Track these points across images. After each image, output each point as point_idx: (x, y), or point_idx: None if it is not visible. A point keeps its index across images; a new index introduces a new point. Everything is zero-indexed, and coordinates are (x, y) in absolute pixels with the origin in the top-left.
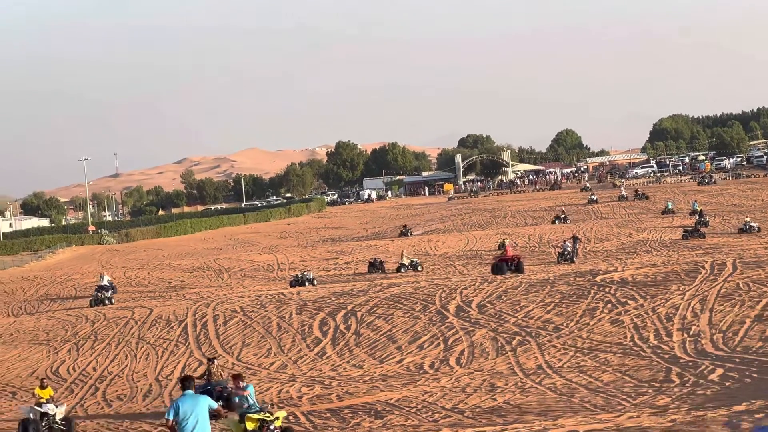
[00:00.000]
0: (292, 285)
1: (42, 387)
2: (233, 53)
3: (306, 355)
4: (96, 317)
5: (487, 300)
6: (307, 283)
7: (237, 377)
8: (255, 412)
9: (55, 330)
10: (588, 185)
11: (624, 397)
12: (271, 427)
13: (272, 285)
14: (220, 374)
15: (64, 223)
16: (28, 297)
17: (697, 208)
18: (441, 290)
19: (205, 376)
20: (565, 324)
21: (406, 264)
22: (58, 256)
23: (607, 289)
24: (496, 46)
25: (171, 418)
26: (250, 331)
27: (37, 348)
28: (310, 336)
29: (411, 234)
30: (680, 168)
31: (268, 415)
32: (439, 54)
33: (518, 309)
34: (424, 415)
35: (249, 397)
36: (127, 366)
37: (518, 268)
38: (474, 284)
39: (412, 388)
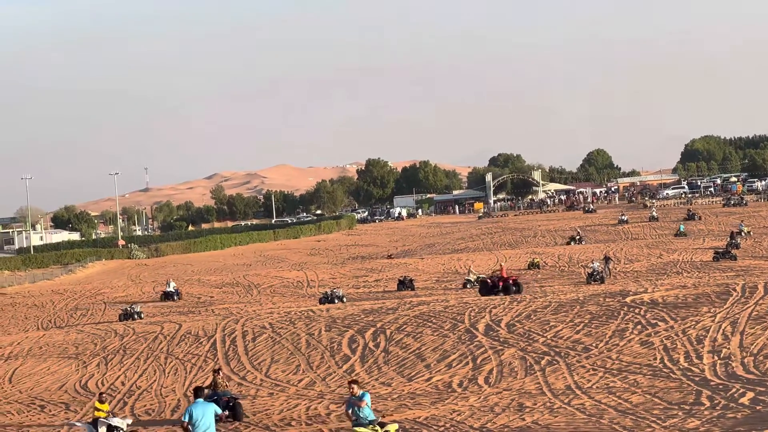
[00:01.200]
0: (321, 302)
1: (101, 401)
2: (263, 69)
3: (335, 372)
4: (125, 332)
5: (516, 319)
6: (336, 301)
7: (353, 383)
8: (363, 425)
9: (84, 344)
10: (624, 217)
11: (653, 419)
12: None
13: (301, 302)
14: (225, 385)
15: (94, 237)
16: (58, 310)
17: (744, 229)
18: (470, 309)
19: (212, 386)
20: (594, 344)
21: (473, 280)
22: (88, 270)
23: (637, 310)
24: (526, 65)
25: (186, 420)
26: (279, 348)
27: (66, 362)
28: (338, 353)
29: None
30: (712, 189)
31: (377, 428)
32: (470, 72)
33: (547, 329)
34: None
35: (364, 409)
36: (155, 381)
37: (506, 291)
38: (503, 303)
39: (440, 406)
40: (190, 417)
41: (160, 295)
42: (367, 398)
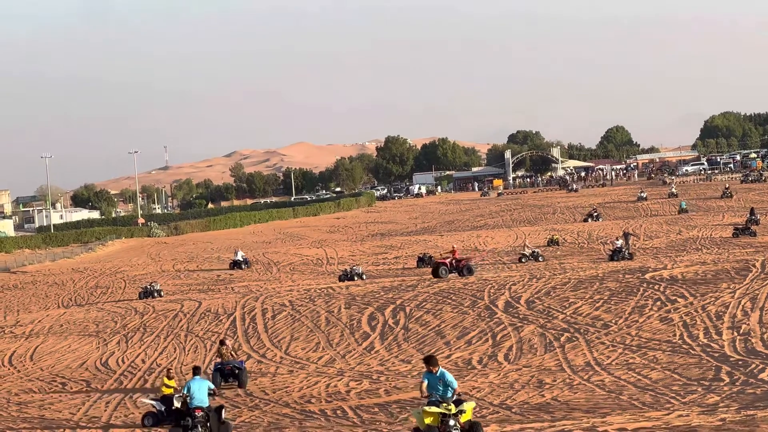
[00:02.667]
0: (341, 279)
1: (169, 377)
2: (285, 47)
3: (354, 349)
4: (145, 309)
5: (535, 296)
6: (356, 278)
7: (429, 360)
8: (436, 404)
9: (104, 322)
10: (643, 194)
11: (673, 395)
12: (451, 422)
13: (321, 279)
14: (230, 355)
15: (113, 215)
16: (78, 288)
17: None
18: (490, 286)
19: (218, 356)
20: (613, 321)
21: (528, 254)
22: (108, 249)
23: (656, 287)
24: (546, 43)
25: (185, 392)
26: (299, 325)
27: (87, 339)
28: (358, 330)
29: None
30: (731, 166)
31: (450, 407)
32: (488, 50)
33: (567, 305)
34: None
35: (441, 386)
36: (176, 358)
37: (459, 272)
38: (523, 280)
39: (460, 383)
40: (188, 390)
41: (229, 264)
42: (448, 377)
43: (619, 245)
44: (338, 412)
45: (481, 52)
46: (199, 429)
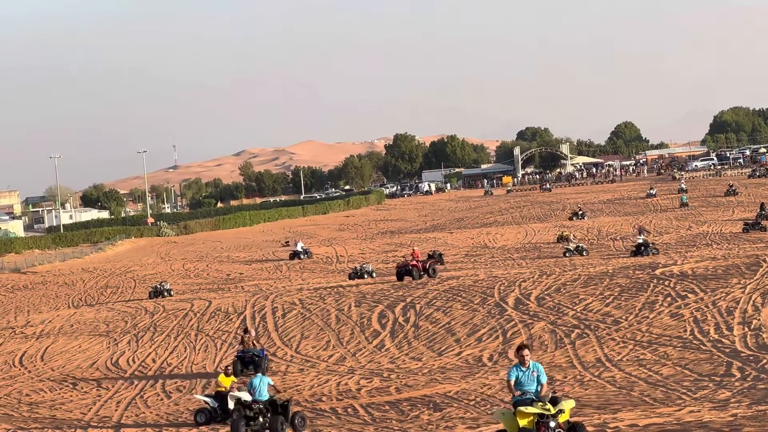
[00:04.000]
0: (351, 277)
1: (226, 374)
2: (293, 45)
3: (365, 347)
4: (155, 309)
5: (545, 293)
6: (366, 276)
7: (523, 349)
8: (530, 403)
9: (114, 321)
10: (653, 191)
11: (684, 391)
12: (552, 424)
13: (331, 277)
14: (253, 343)
15: (123, 215)
16: (88, 288)
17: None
18: (500, 283)
19: (240, 344)
20: (624, 317)
21: (572, 249)
22: (118, 248)
23: (666, 283)
24: (553, 40)
25: (249, 388)
26: (309, 324)
27: (97, 339)
28: (369, 328)
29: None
30: (741, 161)
31: (548, 406)
32: (497, 46)
33: (577, 302)
34: (482, 408)
35: (536, 378)
36: (186, 358)
37: (426, 273)
38: (533, 277)
39: (470, 380)
40: (251, 386)
41: (289, 255)
42: (542, 371)
43: (642, 240)
44: (349, 410)
45: (490, 49)
46: (260, 420)
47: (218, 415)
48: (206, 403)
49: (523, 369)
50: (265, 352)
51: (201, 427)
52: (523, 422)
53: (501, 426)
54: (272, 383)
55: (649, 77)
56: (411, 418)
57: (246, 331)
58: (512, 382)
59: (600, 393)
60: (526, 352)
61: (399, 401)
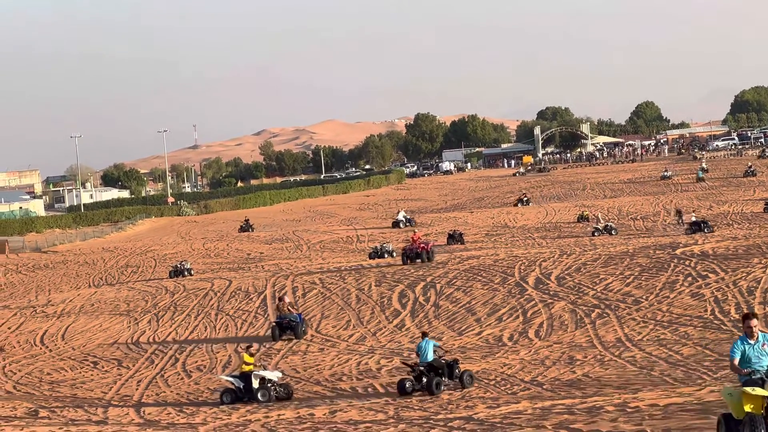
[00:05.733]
0: (371, 257)
1: (250, 355)
2: (314, 25)
3: (385, 327)
4: (175, 288)
5: (566, 272)
6: (386, 255)
7: (749, 318)
8: (760, 383)
9: (135, 301)
10: (668, 173)
11: (705, 370)
12: None
13: (351, 257)
14: (288, 309)
15: (143, 194)
16: (109, 267)
17: None
18: (520, 262)
19: (277, 310)
20: (644, 297)
21: (600, 228)
22: (138, 228)
23: (687, 262)
24: (574, 18)
25: (417, 352)
26: (329, 303)
27: (118, 318)
28: (389, 308)
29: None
30: (762, 140)
31: None
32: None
33: (597, 281)
34: (502, 388)
35: (764, 357)
36: (206, 337)
37: (422, 258)
38: (553, 256)
39: (491, 360)
40: (419, 349)
41: (392, 223)
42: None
43: (695, 218)
44: (369, 389)
45: (511, 28)
46: (423, 380)
47: (243, 394)
48: (231, 383)
49: (751, 342)
50: (302, 317)
51: (220, 407)
52: (749, 406)
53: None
54: (438, 345)
55: (670, 56)
56: (431, 398)
57: (281, 299)
58: (737, 360)
59: (620, 373)
60: (754, 322)
61: None
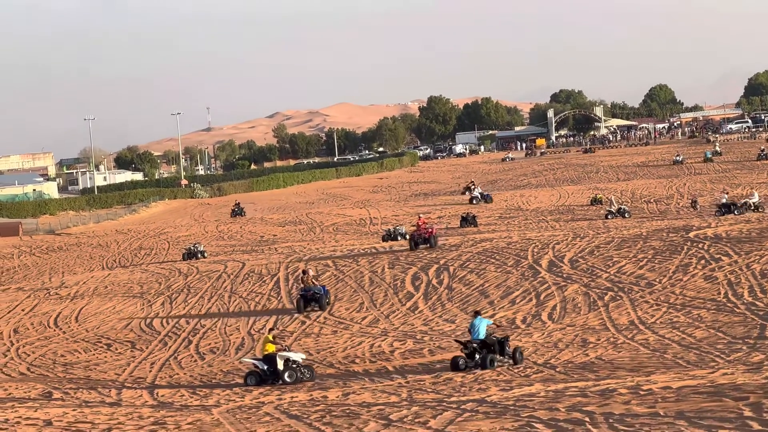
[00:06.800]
0: (384, 239)
1: (273, 336)
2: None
3: (398, 309)
4: (189, 271)
5: (579, 255)
6: (399, 238)
7: None
8: None
9: (148, 283)
10: (680, 157)
11: (718, 353)
12: None
13: (364, 239)
14: (312, 282)
15: (157, 177)
16: (122, 250)
17: None
18: (533, 245)
19: (301, 283)
20: (657, 280)
21: (614, 211)
22: (152, 210)
23: (700, 245)
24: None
25: (469, 329)
26: (342, 286)
27: (131, 300)
28: (402, 290)
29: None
30: None
31: None
32: (532, 8)
33: (610, 264)
34: (516, 370)
35: None
36: (219, 319)
37: (427, 243)
38: (566, 239)
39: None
40: (472, 327)
41: (468, 199)
42: None
43: (725, 200)
44: (382, 372)
45: (525, 11)
46: (476, 357)
47: (268, 377)
48: (255, 366)
49: None
50: (326, 289)
51: (233, 389)
52: None
53: None
54: (491, 323)
55: (684, 39)
56: (444, 380)
57: (305, 272)
58: None
59: (633, 355)
60: None
61: (432, 363)
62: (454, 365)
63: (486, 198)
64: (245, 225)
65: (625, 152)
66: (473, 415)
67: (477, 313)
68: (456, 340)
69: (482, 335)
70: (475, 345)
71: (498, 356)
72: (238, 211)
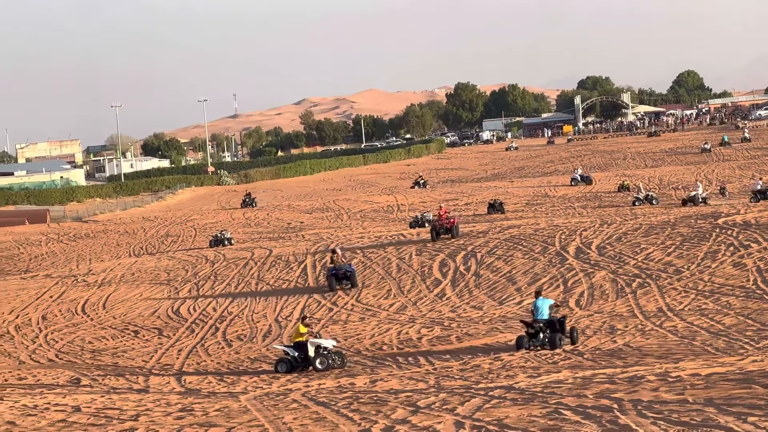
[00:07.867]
0: (411, 226)
1: (305, 325)
2: None
3: (426, 296)
4: (216, 258)
5: (606, 242)
6: (426, 225)
7: None
8: None
9: (175, 270)
10: (707, 145)
11: (747, 340)
12: None
13: (392, 226)
14: (341, 260)
15: (183, 163)
16: (149, 237)
17: None
18: (561, 231)
19: (331, 262)
20: (686, 266)
21: (641, 198)
22: (178, 197)
23: (729, 232)
24: None
25: (532, 310)
26: (370, 272)
27: (158, 288)
28: (429, 277)
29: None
30: None
31: None
32: None
33: (638, 251)
34: (543, 357)
35: None
36: (246, 306)
37: (449, 233)
38: (593, 226)
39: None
40: (535, 307)
41: (570, 180)
42: None
43: (761, 186)
44: (410, 359)
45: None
46: (540, 337)
47: (299, 363)
48: (286, 353)
49: None
50: (353, 267)
51: (263, 375)
52: None
53: None
54: (553, 303)
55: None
56: (472, 367)
57: (333, 251)
58: None
59: (661, 342)
60: None
61: (460, 350)
62: (519, 344)
63: (586, 179)
64: (272, 212)
65: (652, 138)
66: (501, 401)
67: (538, 293)
68: (521, 321)
69: (546, 315)
70: (540, 324)
71: (560, 335)
72: (249, 202)
